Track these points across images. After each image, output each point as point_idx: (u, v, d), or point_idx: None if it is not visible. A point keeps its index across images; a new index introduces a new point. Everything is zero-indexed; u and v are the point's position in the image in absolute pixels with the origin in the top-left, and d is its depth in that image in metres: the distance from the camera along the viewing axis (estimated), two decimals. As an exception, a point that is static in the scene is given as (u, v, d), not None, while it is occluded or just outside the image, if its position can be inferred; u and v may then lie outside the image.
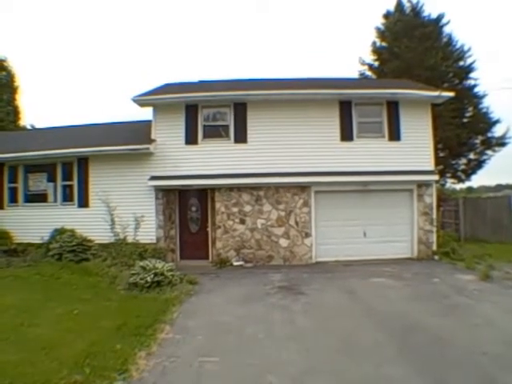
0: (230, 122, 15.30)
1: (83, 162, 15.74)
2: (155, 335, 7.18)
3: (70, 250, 13.52)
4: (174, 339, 7.10)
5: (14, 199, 16.76)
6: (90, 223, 14.89)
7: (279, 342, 6.91)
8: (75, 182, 15.89)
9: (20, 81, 41.26)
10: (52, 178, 16.35)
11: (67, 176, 16.11)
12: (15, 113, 33.57)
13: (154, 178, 15.04)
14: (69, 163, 16.00)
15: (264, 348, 6.67)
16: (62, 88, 75.93)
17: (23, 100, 49.26)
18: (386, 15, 27.16)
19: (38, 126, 33.15)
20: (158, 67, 76.99)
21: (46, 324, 7.59)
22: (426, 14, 25.98)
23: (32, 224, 16.08)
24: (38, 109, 64.50)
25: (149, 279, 10.44)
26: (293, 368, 5.87)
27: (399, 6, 26.62)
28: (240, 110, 15.23)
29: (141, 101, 15.30)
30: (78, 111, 64.29)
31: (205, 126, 15.31)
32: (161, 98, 15.24)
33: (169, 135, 15.34)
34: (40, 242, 15.05)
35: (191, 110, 15.26)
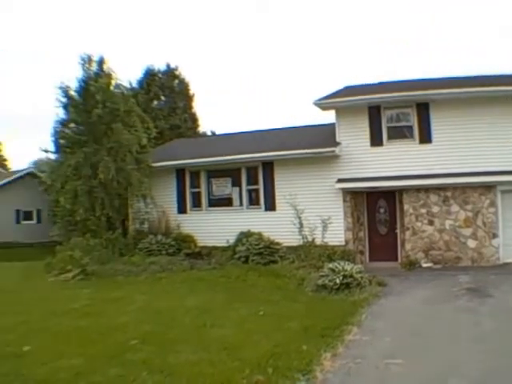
0: (414, 122, 16.98)
1: (268, 166, 18.61)
2: (342, 336, 8.02)
3: (257, 252, 16.25)
4: (360, 341, 7.87)
5: (196, 204, 20.30)
6: (276, 226, 17.61)
7: (465, 345, 7.48)
8: (261, 186, 18.81)
9: (196, 88, 48.06)
10: (236, 183, 19.52)
11: (252, 180, 19.12)
12: (192, 120, 38.96)
13: (341, 180, 17.18)
14: (253, 168, 19.01)
15: (449, 350, 7.24)
16: (239, 94, 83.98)
17: (200, 107, 56.41)
18: None
19: (217, 132, 38.27)
20: (327, 70, 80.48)
21: (229, 325, 8.84)
22: None
23: (216, 228, 19.27)
24: (216, 115, 73.02)
25: (337, 281, 11.77)
26: (477, 372, 6.22)
27: None
28: (423, 109, 16.83)
29: (323, 104, 17.70)
30: (255, 116, 70.79)
31: (388, 127, 17.18)
32: (343, 100, 17.47)
33: (353, 137, 17.46)
34: (225, 245, 18.06)
35: (374, 112, 17.26)
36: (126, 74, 42.94)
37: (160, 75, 38.21)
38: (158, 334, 8.35)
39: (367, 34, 74.81)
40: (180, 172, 20.60)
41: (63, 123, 20.82)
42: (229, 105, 76.95)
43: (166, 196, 20.56)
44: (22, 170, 35.19)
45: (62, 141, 20.78)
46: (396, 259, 17.43)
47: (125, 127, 19.60)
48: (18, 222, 32.91)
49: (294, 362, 6.64)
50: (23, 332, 8.70)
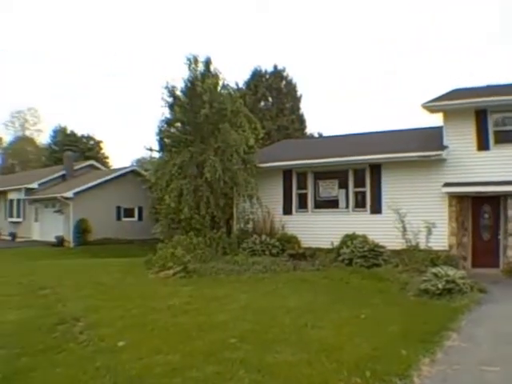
0: (521, 126, 16.65)
1: (375, 168, 18.90)
2: (441, 342, 8.12)
3: (361, 255, 16.53)
4: (459, 347, 7.97)
5: (302, 205, 20.89)
6: (381, 229, 17.83)
7: None
8: (367, 189, 19.12)
9: (303, 89, 48.69)
10: (343, 185, 19.94)
11: (359, 182, 19.44)
12: (300, 121, 39.97)
13: (447, 184, 17.15)
14: (360, 170, 19.32)
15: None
16: (346, 96, 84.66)
17: (307, 108, 57.41)
18: None
19: (324, 133, 38.96)
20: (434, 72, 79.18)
21: (329, 326, 8.99)
22: None
23: (321, 229, 19.76)
24: (324, 117, 74.16)
25: (440, 286, 11.84)
26: None
27: None
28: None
29: (431, 107, 17.78)
30: (361, 118, 71.24)
31: (495, 131, 17.04)
32: (451, 103, 17.44)
33: (459, 141, 17.40)
34: (329, 247, 18.42)
35: (480, 115, 17.17)
36: (234, 75, 44.73)
37: (267, 76, 39.41)
38: (258, 333, 8.56)
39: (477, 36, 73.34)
40: (287, 173, 21.26)
41: (168, 122, 22.06)
42: (335, 107, 77.87)
43: (272, 196, 21.22)
44: (125, 168, 37.04)
45: (167, 140, 21.94)
46: (498, 266, 17.18)
47: (232, 127, 20.34)
48: (118, 218, 34.48)
49: (393, 367, 6.79)
50: (120, 327, 9.08)
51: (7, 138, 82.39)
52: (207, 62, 21.87)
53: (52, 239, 32.57)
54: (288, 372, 6.55)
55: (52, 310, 10.66)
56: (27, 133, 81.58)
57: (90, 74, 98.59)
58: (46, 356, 7.27)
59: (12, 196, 39.64)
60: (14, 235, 38.08)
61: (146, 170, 31.60)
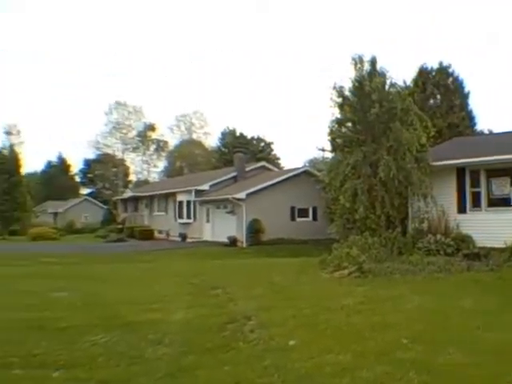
0: None
1: None
2: None
3: None
4: None
5: (475, 203, 20.50)
6: None
7: None
8: None
9: (471, 86, 47.74)
10: None
11: None
12: (469, 118, 39.06)
13: None
14: None
15: None
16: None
17: (476, 105, 55.79)
18: None
19: (495, 130, 37.74)
20: None
21: (503, 329, 8.79)
22: None
23: (494, 228, 19.31)
24: (494, 113, 70.91)
25: None
26: None
27: None
28: None
29: None
30: None
31: None
32: None
33: None
34: (502, 246, 17.95)
35: None
36: (400, 73, 44.51)
37: (433, 73, 38.77)
38: (430, 334, 8.51)
39: None
40: (460, 171, 20.95)
41: (339, 122, 22.53)
42: (506, 102, 74.07)
43: (445, 195, 21.00)
44: (298, 169, 37.94)
45: (338, 140, 22.49)
46: None
47: (403, 126, 20.37)
48: (292, 219, 35.36)
49: None
50: (291, 326, 9.16)
51: (173, 141, 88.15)
52: (373, 61, 22.03)
53: (224, 239, 34.07)
54: (458, 374, 6.51)
55: (223, 309, 10.95)
56: (194, 136, 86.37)
57: (257, 76, 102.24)
58: (213, 354, 7.48)
59: (181, 198, 41.57)
60: (183, 236, 40.13)
61: (319, 171, 32.27)
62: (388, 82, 21.84)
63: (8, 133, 72.97)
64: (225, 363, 7.01)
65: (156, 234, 45.51)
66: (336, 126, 22.43)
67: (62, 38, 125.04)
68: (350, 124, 22.44)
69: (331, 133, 22.44)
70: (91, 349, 7.75)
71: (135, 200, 54.02)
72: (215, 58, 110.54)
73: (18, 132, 75.41)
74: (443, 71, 39.10)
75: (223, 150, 70.37)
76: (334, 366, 6.81)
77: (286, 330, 8.85)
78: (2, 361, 7.12)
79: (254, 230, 32.86)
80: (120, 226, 52.09)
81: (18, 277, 17.51)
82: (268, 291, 13.37)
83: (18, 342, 8.11)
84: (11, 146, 64.23)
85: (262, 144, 69.03)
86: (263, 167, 43.82)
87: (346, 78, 22.20)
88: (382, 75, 21.67)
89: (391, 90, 21.68)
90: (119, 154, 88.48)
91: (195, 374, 6.60)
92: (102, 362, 7.08)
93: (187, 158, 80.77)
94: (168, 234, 43.63)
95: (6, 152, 61.15)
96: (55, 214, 77.29)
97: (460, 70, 50.62)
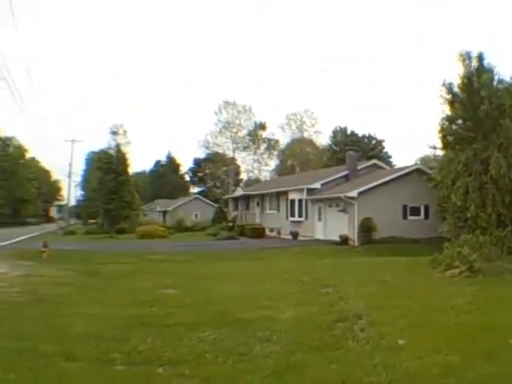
0: None
1: None
2: None
3: None
4: None
5: None
6: None
7: None
8: None
9: None
10: None
11: None
12: None
13: None
14: None
15: None
16: None
17: None
18: None
19: None
20: None
21: None
22: None
23: None
24: None
25: None
26: None
27: None
28: None
29: None
30: None
31: None
32: None
33: None
34: None
35: None
36: (506, 69, 43.03)
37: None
38: None
39: None
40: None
41: (449, 120, 22.56)
42: None
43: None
44: (409, 167, 37.19)
45: (449, 137, 22.50)
46: None
47: (512, 123, 19.79)
48: (404, 217, 34.56)
49: None
50: (401, 325, 9.15)
51: (284, 139, 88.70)
52: (480, 58, 21.90)
53: (335, 238, 33.99)
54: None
55: (334, 307, 10.93)
56: (305, 134, 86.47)
57: (367, 75, 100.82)
58: (322, 353, 7.50)
59: (293, 196, 41.46)
60: (295, 234, 39.95)
61: (430, 169, 31.86)
62: (496, 78, 21.58)
63: (114, 133, 75.14)
64: (333, 361, 7.05)
65: (267, 232, 45.75)
66: (446, 123, 22.38)
67: (178, 40, 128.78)
68: (460, 121, 22.29)
69: (442, 130, 22.51)
70: (198, 346, 7.96)
71: (246, 198, 54.59)
72: (320, 56, 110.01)
73: (125, 132, 77.25)
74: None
75: (334, 148, 70.39)
76: (441, 366, 6.83)
77: (396, 329, 8.88)
78: (105, 356, 7.32)
79: (366, 228, 32.60)
80: (230, 224, 52.66)
81: (127, 274, 18.10)
82: (379, 290, 13.48)
83: (122, 339, 8.27)
84: (118, 146, 66.54)
85: (373, 142, 68.45)
86: (374, 165, 43.05)
87: (455, 75, 22.32)
88: (490, 71, 21.45)
89: (499, 86, 21.40)
90: (230, 153, 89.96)
91: (302, 372, 6.70)
92: (208, 359, 7.25)
93: (298, 157, 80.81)
94: (279, 232, 43.85)
95: (112, 152, 63.89)
96: (164, 213, 79.27)
97: None
